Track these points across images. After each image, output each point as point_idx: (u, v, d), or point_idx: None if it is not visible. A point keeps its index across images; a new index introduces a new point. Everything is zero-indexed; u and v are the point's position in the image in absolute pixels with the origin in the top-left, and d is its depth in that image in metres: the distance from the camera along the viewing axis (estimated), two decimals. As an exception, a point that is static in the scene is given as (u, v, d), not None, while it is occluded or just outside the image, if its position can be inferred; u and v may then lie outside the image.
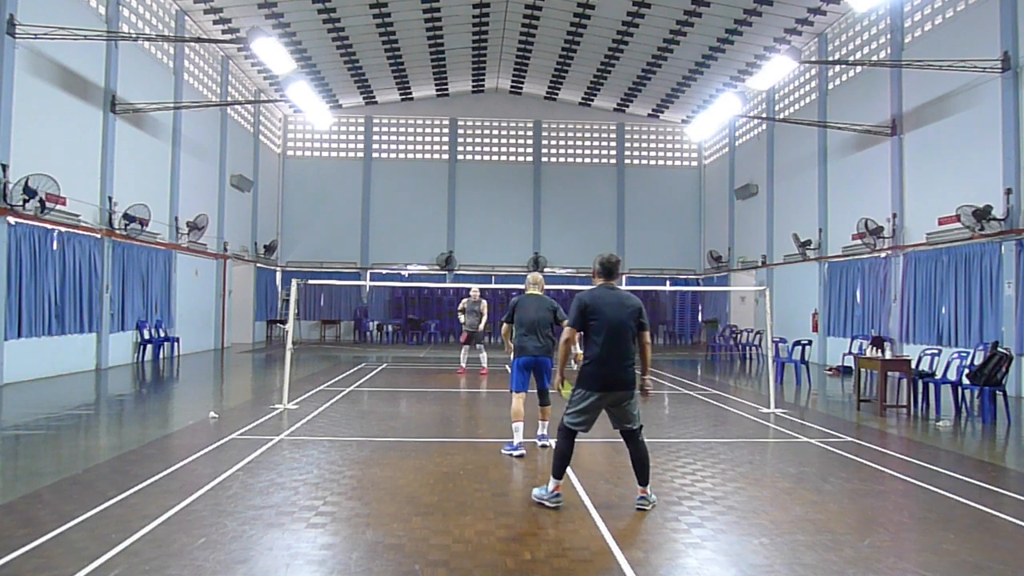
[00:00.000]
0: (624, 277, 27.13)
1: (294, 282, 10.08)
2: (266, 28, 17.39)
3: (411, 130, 27.46)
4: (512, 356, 7.12)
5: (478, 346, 14.43)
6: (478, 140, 27.63)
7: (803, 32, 18.42)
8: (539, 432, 7.23)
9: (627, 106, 26.73)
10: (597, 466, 6.37)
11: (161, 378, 13.71)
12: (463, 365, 14.54)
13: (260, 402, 10.03)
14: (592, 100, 26.76)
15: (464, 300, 14.40)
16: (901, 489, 5.79)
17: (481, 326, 14.20)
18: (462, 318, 14.39)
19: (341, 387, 11.72)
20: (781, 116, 21.16)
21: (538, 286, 7.32)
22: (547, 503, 5.03)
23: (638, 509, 4.97)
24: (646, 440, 5.18)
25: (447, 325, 25.99)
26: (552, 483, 5.06)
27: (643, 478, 5.05)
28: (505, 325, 7.37)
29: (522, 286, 7.50)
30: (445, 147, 27.42)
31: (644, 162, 28.00)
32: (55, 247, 12.63)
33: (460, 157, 27.39)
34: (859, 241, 16.06)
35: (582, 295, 5.11)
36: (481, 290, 14.61)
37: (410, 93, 26.15)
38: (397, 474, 5.97)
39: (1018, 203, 11.95)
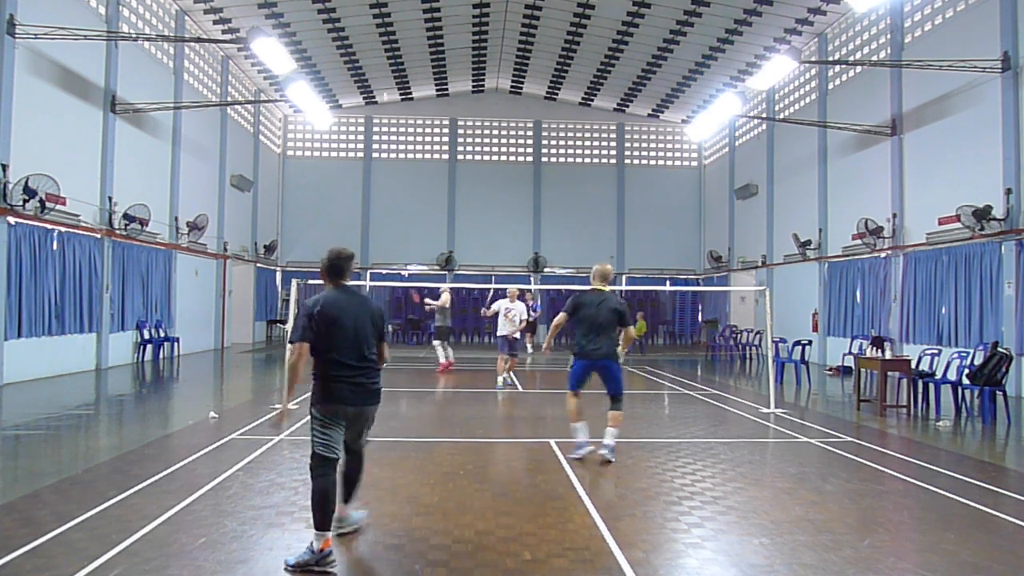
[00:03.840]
0: (624, 277, 27.14)
1: (294, 282, 10.07)
2: (266, 28, 17.37)
3: (411, 130, 27.46)
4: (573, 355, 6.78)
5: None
6: (478, 140, 27.62)
7: (803, 32, 18.41)
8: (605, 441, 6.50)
9: (627, 106, 26.73)
10: (597, 466, 6.37)
11: (161, 378, 13.70)
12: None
13: (260, 402, 10.03)
14: (592, 100, 26.76)
15: (502, 301, 12.70)
16: (901, 489, 5.79)
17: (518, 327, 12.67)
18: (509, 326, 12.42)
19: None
20: (781, 116, 21.16)
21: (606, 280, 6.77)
22: (315, 569, 3.77)
23: (338, 533, 4.24)
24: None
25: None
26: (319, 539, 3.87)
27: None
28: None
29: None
30: (445, 147, 27.42)
31: (644, 162, 27.99)
32: (55, 247, 12.62)
33: (460, 157, 27.39)
34: (859, 241, 16.06)
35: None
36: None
37: (410, 93, 26.15)
38: (397, 474, 5.97)
39: (1018, 203, 11.95)
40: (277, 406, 9.30)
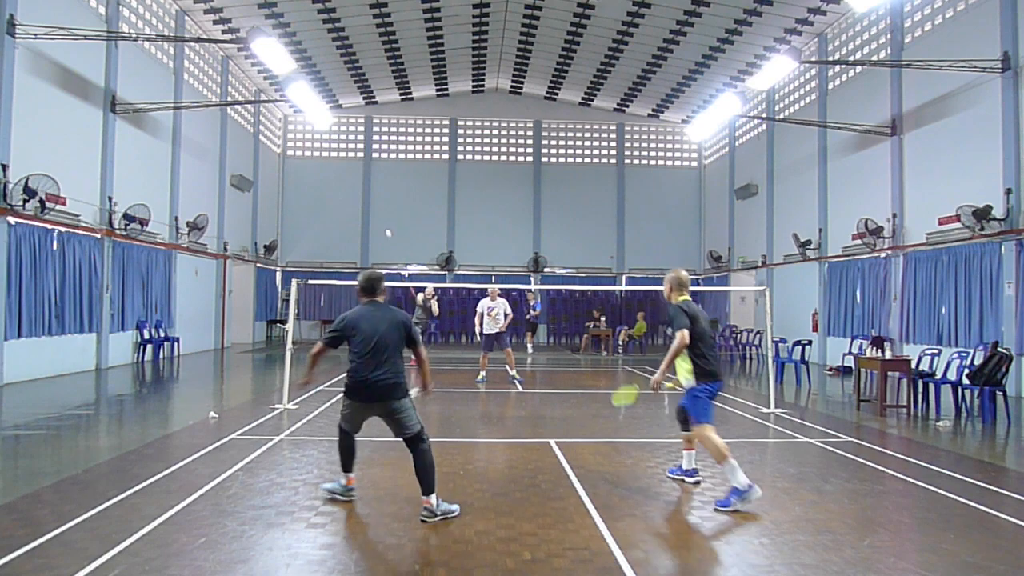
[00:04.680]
0: (624, 277, 27.15)
1: (294, 282, 10.08)
2: (266, 28, 17.38)
3: (411, 130, 27.46)
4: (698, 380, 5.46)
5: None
6: (478, 140, 27.61)
7: (803, 32, 18.41)
8: (688, 466, 5.86)
9: (627, 106, 26.73)
10: (597, 466, 6.37)
11: (161, 378, 13.70)
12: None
13: (260, 402, 10.03)
14: (592, 100, 26.76)
15: (484, 301, 12.86)
16: (901, 489, 5.79)
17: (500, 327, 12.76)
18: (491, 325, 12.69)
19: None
20: (781, 116, 21.16)
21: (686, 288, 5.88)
22: (340, 497, 5.16)
23: (422, 520, 4.73)
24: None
25: (447, 325, 26.01)
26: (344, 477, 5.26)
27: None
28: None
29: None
30: (445, 147, 27.41)
31: (644, 162, 27.98)
32: (55, 247, 12.62)
33: (460, 157, 27.38)
34: (859, 241, 16.05)
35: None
36: (481, 291, 14.44)
37: (410, 93, 26.15)
38: (397, 474, 5.97)
39: (1018, 203, 11.95)
40: (278, 406, 9.32)
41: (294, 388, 9.44)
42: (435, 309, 16.01)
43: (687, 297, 5.77)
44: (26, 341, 11.96)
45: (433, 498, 4.80)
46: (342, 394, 5.26)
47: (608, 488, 5.60)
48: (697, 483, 5.73)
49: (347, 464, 5.24)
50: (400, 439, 5.02)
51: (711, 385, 5.42)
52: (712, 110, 17.42)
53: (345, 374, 5.15)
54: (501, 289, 13.11)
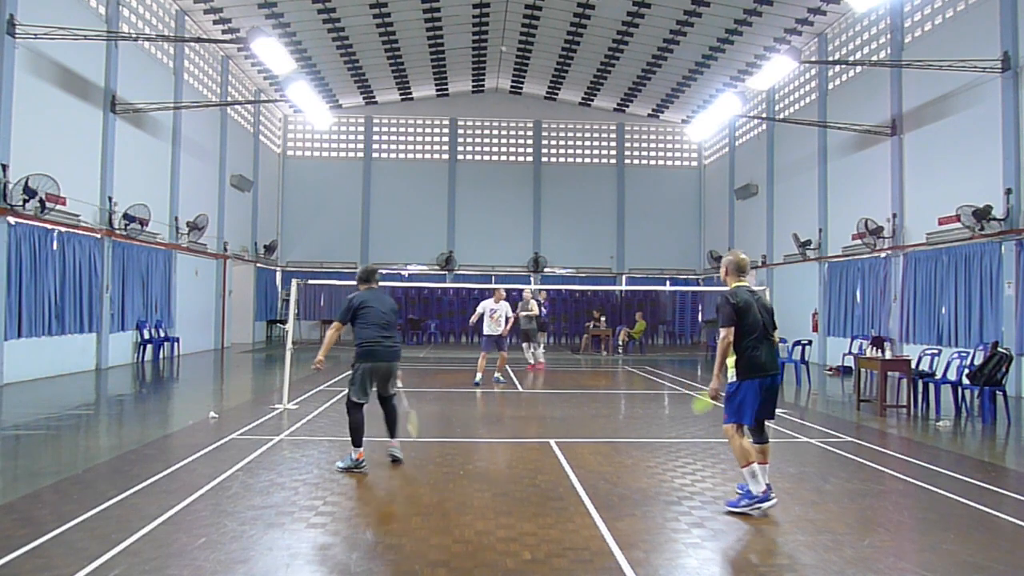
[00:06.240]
0: (624, 277, 27.15)
1: (294, 282, 10.09)
2: (266, 28, 17.38)
3: (411, 130, 27.46)
4: (739, 376, 5.07)
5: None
6: (478, 140, 27.61)
7: (803, 32, 18.41)
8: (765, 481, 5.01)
9: (627, 106, 26.73)
10: (597, 466, 6.37)
11: (161, 378, 13.70)
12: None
13: (260, 402, 10.04)
14: (592, 100, 26.76)
15: (487, 302, 12.90)
16: (901, 489, 5.79)
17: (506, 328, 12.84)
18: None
19: (341, 387, 11.69)
20: (781, 116, 21.15)
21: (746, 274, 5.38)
22: (354, 471, 5.99)
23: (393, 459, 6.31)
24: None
25: (447, 325, 26.03)
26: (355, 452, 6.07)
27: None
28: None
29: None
30: (445, 147, 27.42)
31: (644, 162, 27.98)
32: (55, 247, 12.62)
33: (460, 157, 27.38)
34: (859, 241, 16.05)
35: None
36: (481, 291, 14.33)
37: (410, 93, 26.15)
38: (397, 474, 5.97)
39: (1018, 203, 11.95)
40: (278, 406, 9.32)
41: (297, 383, 9.47)
42: (535, 309, 15.29)
43: (743, 282, 5.26)
44: (26, 341, 11.96)
45: (397, 441, 6.42)
46: (351, 370, 6.23)
47: (608, 488, 5.60)
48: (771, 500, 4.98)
49: (358, 440, 6.05)
50: (383, 392, 6.41)
51: (758, 381, 4.99)
52: (712, 110, 17.43)
53: (352, 360, 6.22)
54: (501, 290, 13.04)
